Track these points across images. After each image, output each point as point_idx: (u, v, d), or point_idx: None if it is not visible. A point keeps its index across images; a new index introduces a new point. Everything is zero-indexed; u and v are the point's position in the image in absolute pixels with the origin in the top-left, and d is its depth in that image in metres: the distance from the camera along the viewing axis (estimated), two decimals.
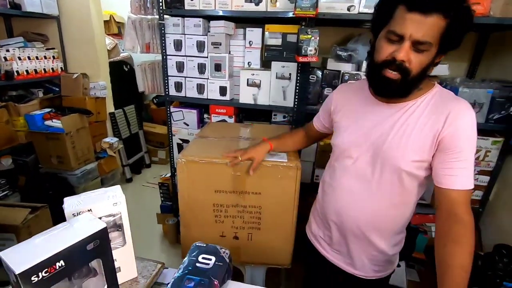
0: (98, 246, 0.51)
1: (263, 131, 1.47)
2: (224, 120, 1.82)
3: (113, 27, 3.54)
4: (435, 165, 0.75)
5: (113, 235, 0.65)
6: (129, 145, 3.12)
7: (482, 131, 1.52)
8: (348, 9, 1.44)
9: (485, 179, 1.60)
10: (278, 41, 1.61)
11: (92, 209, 0.58)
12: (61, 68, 2.61)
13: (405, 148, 0.76)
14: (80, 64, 2.65)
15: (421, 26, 0.65)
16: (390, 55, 0.71)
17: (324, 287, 1.07)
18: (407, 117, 0.77)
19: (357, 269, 0.93)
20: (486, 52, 1.76)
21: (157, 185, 2.20)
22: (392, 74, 0.71)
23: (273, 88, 1.67)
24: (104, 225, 0.52)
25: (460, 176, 0.72)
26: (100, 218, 0.60)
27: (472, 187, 0.73)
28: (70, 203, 0.59)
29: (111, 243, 0.60)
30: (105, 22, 3.38)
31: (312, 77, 1.65)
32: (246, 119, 1.90)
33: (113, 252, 0.60)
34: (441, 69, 1.52)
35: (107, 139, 2.70)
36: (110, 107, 2.89)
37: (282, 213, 1.15)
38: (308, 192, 1.96)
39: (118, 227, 0.65)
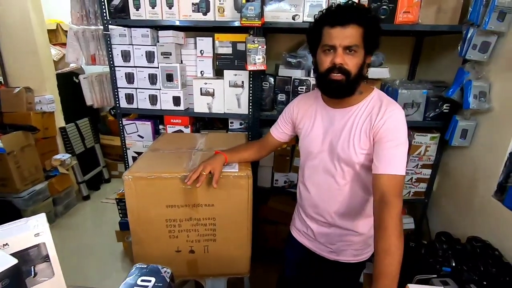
0: (8, 285, 0.47)
1: (218, 140, 1.47)
2: (180, 131, 1.79)
3: (61, 36, 3.33)
4: (373, 156, 0.89)
5: (40, 267, 0.60)
6: (85, 161, 2.94)
7: (421, 128, 1.65)
8: (293, 18, 1.49)
9: (428, 172, 1.73)
10: (229, 50, 1.62)
11: (9, 243, 0.54)
12: (0, 82, 2.40)
13: (353, 145, 0.92)
14: (23, 77, 2.46)
15: (344, 35, 0.83)
16: (330, 63, 0.87)
17: (311, 277, 1.17)
18: (353, 120, 0.93)
19: (340, 255, 1.07)
20: (422, 55, 1.91)
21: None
22: (337, 76, 0.87)
23: (227, 96, 1.68)
24: (15, 262, 0.48)
25: (390, 163, 0.85)
26: (22, 250, 0.56)
27: (401, 173, 0.85)
28: None
29: (37, 277, 0.56)
30: (52, 31, 3.19)
31: (265, 83, 1.68)
32: (203, 127, 1.88)
33: (40, 285, 0.56)
34: (382, 72, 1.62)
35: (58, 156, 2.53)
36: (60, 122, 2.71)
37: (236, 223, 1.16)
38: (268, 196, 2.01)
39: (45, 258, 0.60)
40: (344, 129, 0.94)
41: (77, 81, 3.10)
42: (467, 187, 1.50)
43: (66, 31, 3.33)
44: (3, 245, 0.53)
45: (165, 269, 0.68)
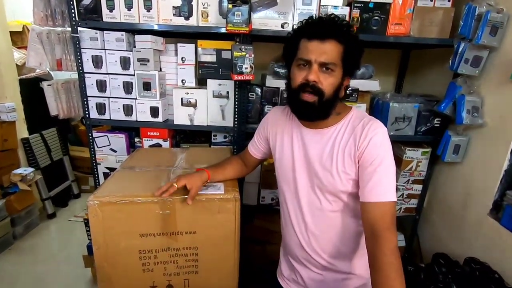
0: None
1: (200, 156, 1.33)
2: (158, 144, 1.63)
3: (28, 38, 3.07)
4: (359, 181, 0.79)
5: None
6: (51, 175, 2.67)
7: (412, 143, 1.61)
8: (282, 26, 1.41)
9: (419, 187, 1.69)
10: (213, 58, 1.50)
11: None
12: None
13: (337, 172, 0.80)
14: None
15: (322, 50, 0.75)
16: (303, 79, 0.77)
17: None
18: (333, 142, 0.82)
19: None
20: (409, 68, 1.90)
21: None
22: (309, 97, 0.77)
23: (211, 107, 1.55)
24: None
25: (377, 188, 0.74)
26: None
27: (391, 199, 0.74)
28: None
29: None
30: (18, 33, 2.94)
31: (251, 94, 1.57)
32: (184, 141, 1.74)
33: None
34: (372, 85, 1.57)
35: (18, 171, 2.26)
36: (22, 132, 2.45)
37: (222, 252, 1.02)
38: (254, 214, 1.88)
39: None
40: (324, 153, 0.82)
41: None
42: (460, 204, 1.46)
43: None
44: None
45: None
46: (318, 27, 0.76)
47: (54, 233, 2.49)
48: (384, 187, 0.74)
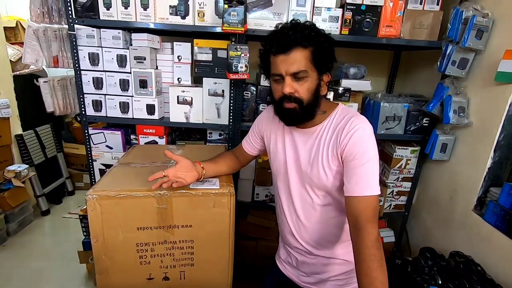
0: None
1: (196, 152, 1.36)
2: (154, 141, 1.65)
3: (21, 34, 3.05)
4: (343, 176, 0.82)
5: None
6: (45, 171, 2.67)
7: (402, 142, 1.66)
8: (277, 27, 1.44)
9: (408, 185, 1.74)
10: (209, 57, 1.53)
11: None
12: None
13: (322, 168, 0.85)
14: None
15: (289, 62, 0.78)
16: (281, 92, 0.81)
17: None
18: (318, 140, 0.87)
19: (326, 286, 0.98)
20: (400, 68, 1.95)
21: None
22: (289, 105, 0.82)
23: (206, 105, 1.58)
24: None
25: (360, 183, 0.77)
26: None
27: (374, 193, 0.77)
28: None
29: None
30: (11, 28, 2.92)
31: (246, 93, 1.61)
32: (179, 138, 1.76)
33: None
34: (364, 85, 1.61)
35: (12, 167, 2.25)
36: (16, 129, 2.44)
37: (217, 245, 1.05)
38: (247, 210, 1.91)
39: None
40: (311, 151, 0.87)
41: (38, 84, 2.84)
42: (447, 201, 1.51)
43: None
44: None
45: None
46: (278, 41, 0.78)
47: (48, 230, 2.49)
48: (366, 182, 0.77)
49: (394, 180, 1.72)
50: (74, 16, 1.42)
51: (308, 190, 0.91)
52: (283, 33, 0.79)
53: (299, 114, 0.82)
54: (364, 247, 0.71)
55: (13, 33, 2.99)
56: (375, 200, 0.77)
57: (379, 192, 0.78)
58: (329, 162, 0.84)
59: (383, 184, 1.74)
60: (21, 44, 3.03)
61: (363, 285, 0.69)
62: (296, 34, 0.77)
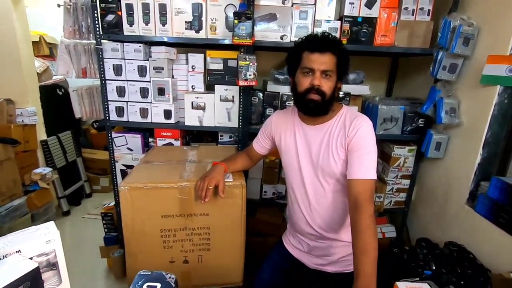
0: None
1: (209, 153, 1.50)
2: (170, 143, 1.81)
3: (44, 48, 3.29)
4: (347, 164, 0.99)
5: (46, 275, 0.61)
6: (66, 175, 2.85)
7: (400, 142, 1.78)
8: (281, 38, 1.60)
9: (407, 182, 1.85)
10: (220, 66, 1.69)
11: (21, 250, 0.55)
12: None
13: (332, 157, 1.02)
14: (3, 89, 2.39)
15: (322, 60, 0.95)
16: (309, 84, 0.98)
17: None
18: (329, 134, 1.04)
19: (335, 266, 1.13)
20: (398, 74, 2.08)
21: (100, 216, 2.05)
22: (314, 96, 0.98)
23: (218, 110, 1.74)
24: (36, 265, 0.49)
25: (361, 168, 0.94)
26: (31, 258, 0.57)
27: (372, 177, 0.94)
28: None
29: (44, 284, 0.57)
30: (35, 43, 3.14)
31: (254, 98, 1.75)
32: (193, 141, 1.92)
33: None
34: (363, 89, 1.75)
35: (38, 170, 2.44)
36: (41, 135, 2.63)
37: (231, 232, 1.18)
38: (257, 208, 2.04)
39: (53, 266, 0.61)
40: (322, 143, 1.04)
41: (60, 93, 3.05)
42: (442, 196, 1.62)
43: (49, 44, 3.34)
44: (16, 251, 0.54)
45: (169, 275, 0.71)
46: (318, 42, 0.96)
47: (69, 229, 2.65)
48: (366, 168, 0.95)
49: (394, 178, 1.84)
50: (101, 32, 1.60)
51: (319, 179, 1.06)
52: (323, 36, 0.98)
53: (321, 105, 0.99)
54: (361, 219, 0.87)
55: (36, 47, 3.22)
56: (373, 183, 0.94)
57: (375, 178, 0.94)
58: (338, 152, 1.01)
59: (383, 181, 1.85)
60: (43, 57, 3.27)
61: (357, 249, 0.83)
62: (330, 42, 0.97)
